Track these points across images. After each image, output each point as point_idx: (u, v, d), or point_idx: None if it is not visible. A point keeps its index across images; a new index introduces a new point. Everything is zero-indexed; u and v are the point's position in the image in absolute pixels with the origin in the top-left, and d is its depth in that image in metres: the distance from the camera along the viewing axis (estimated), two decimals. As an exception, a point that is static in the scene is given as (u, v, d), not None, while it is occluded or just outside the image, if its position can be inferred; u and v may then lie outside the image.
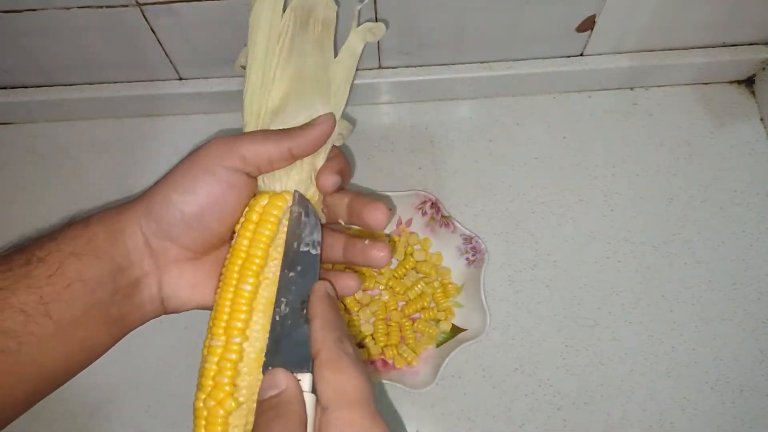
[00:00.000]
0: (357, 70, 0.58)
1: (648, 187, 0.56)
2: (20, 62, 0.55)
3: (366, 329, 0.51)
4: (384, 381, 0.48)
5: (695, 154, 0.57)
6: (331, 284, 0.34)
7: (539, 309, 0.52)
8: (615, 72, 0.57)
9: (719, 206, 0.55)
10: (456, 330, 0.51)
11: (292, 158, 0.35)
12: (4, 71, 0.57)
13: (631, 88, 0.60)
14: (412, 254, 0.53)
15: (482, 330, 0.49)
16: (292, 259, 0.34)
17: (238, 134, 0.34)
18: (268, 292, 0.34)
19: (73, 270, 0.30)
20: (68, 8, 0.48)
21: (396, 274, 0.53)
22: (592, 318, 0.52)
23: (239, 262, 0.34)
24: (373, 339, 0.51)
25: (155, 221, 0.33)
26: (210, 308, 0.35)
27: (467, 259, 0.52)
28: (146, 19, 0.50)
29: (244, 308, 0.33)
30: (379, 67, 0.57)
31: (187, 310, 0.35)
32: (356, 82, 0.57)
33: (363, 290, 0.52)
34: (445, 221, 0.52)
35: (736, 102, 0.59)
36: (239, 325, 0.33)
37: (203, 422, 0.33)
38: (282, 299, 0.33)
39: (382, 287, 0.52)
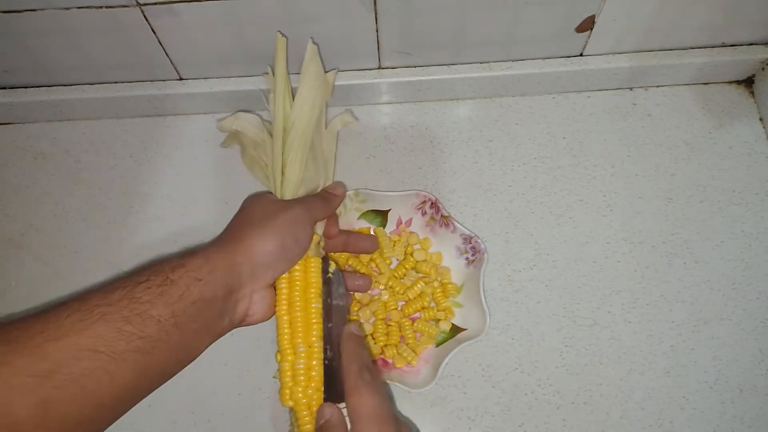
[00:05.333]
0: (357, 70, 0.58)
1: (647, 187, 0.56)
2: (20, 62, 0.55)
3: (366, 329, 0.51)
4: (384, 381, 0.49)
5: (694, 154, 0.57)
6: (358, 324, 0.45)
7: (538, 308, 0.53)
8: (614, 72, 0.57)
9: (718, 206, 0.55)
10: (456, 329, 0.51)
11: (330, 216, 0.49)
12: (4, 71, 0.57)
13: (631, 89, 0.60)
14: (412, 254, 0.53)
15: (482, 329, 0.49)
16: (327, 312, 0.44)
17: (309, 202, 0.46)
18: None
19: (198, 292, 0.37)
20: (68, 8, 0.48)
21: (396, 274, 0.53)
22: (591, 317, 0.52)
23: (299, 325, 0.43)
24: (373, 339, 0.51)
25: (259, 263, 0.42)
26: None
27: (467, 258, 0.52)
28: (147, 20, 0.50)
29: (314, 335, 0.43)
30: (379, 68, 0.57)
31: (255, 324, 0.43)
32: (356, 82, 0.57)
33: (363, 290, 0.53)
34: (445, 221, 0.53)
35: (735, 102, 0.59)
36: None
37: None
38: (327, 347, 0.43)
39: (382, 287, 0.52)
